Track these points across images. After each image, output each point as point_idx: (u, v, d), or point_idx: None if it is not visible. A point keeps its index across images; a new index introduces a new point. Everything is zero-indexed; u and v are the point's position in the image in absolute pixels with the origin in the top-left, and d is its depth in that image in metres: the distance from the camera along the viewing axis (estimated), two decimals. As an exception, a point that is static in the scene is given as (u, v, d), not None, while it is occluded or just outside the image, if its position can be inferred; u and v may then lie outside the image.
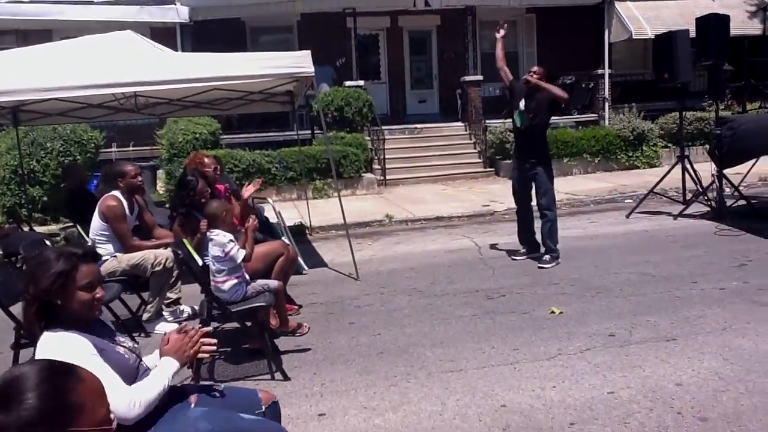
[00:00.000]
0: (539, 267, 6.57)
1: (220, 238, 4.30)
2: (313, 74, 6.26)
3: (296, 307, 5.64)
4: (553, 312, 5.20)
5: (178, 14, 13.85)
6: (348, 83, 14.39)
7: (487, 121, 14.69)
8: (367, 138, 13.96)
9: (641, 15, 15.26)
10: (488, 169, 14.37)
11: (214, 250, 4.32)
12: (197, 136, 12.56)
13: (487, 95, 15.55)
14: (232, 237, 4.33)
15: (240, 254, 4.31)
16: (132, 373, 2.44)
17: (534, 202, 6.95)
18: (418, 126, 15.36)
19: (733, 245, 6.99)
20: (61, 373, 1.45)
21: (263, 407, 2.69)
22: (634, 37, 15.03)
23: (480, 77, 15.17)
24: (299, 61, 6.21)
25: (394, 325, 5.15)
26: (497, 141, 14.09)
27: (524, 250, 7.09)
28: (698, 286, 5.65)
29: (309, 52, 6.25)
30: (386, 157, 13.79)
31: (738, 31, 12.56)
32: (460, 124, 15.63)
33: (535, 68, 6.78)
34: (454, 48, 16.41)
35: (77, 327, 2.35)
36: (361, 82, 14.64)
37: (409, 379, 4.12)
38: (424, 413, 3.65)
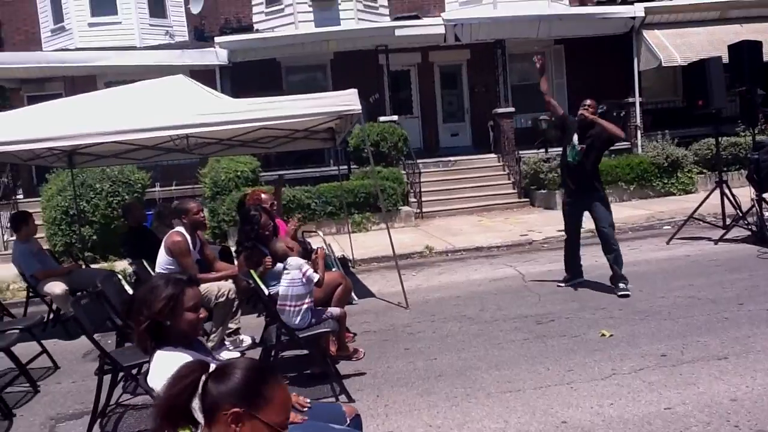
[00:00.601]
0: (620, 295, 6.40)
1: (296, 261, 4.59)
2: (361, 111, 6.57)
3: (351, 334, 5.86)
4: (603, 335, 5.34)
5: (217, 57, 14.42)
6: (382, 118, 14.75)
7: (520, 152, 14.90)
8: (403, 172, 14.26)
9: (669, 43, 15.45)
10: (523, 200, 14.54)
11: (292, 274, 4.58)
12: (239, 173, 12.97)
13: (519, 126, 15.82)
14: (306, 262, 4.61)
15: (315, 276, 4.58)
16: None
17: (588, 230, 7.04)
18: (452, 159, 15.63)
19: (777, 267, 7.07)
20: (266, 371, 1.75)
21: (347, 419, 2.91)
22: (663, 64, 15.19)
23: (512, 109, 15.44)
24: (347, 100, 6.55)
25: (448, 350, 5.33)
26: (531, 171, 14.28)
27: (568, 277, 7.13)
28: (745, 307, 5.75)
29: (356, 90, 6.57)
30: (422, 190, 14.06)
31: (769, 56, 12.69)
32: (493, 155, 15.87)
33: (589, 101, 6.62)
34: (484, 81, 16.75)
35: (184, 345, 2.61)
36: (395, 117, 15.01)
37: (470, 400, 4.29)
38: (488, 430, 3.82)
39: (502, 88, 15.51)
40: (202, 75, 13.75)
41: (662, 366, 4.56)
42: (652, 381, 4.31)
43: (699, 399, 3.98)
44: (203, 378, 1.72)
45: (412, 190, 14.28)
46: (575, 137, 6.62)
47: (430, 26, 15.18)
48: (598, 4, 16.75)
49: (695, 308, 5.85)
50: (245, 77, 14.73)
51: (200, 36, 16.34)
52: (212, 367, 2.76)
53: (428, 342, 5.61)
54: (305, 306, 4.63)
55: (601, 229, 6.67)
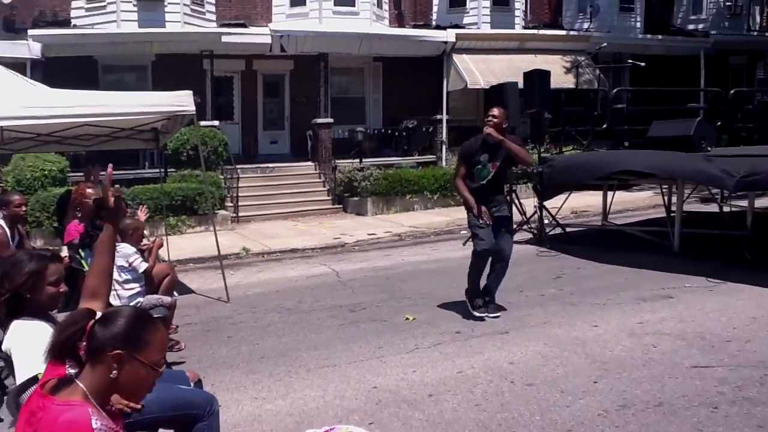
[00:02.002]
0: (476, 317, 5.89)
1: (125, 250, 4.75)
2: (194, 113, 6.78)
3: (174, 326, 6.04)
4: (407, 318, 6.04)
5: (29, 50, 13.63)
6: (203, 123, 14.74)
7: (337, 161, 15.60)
8: (221, 176, 14.36)
9: (475, 67, 17.01)
10: (337, 206, 15.22)
11: (119, 261, 4.73)
12: (45, 173, 12.36)
13: (336, 137, 16.51)
14: (136, 250, 4.78)
15: (142, 266, 4.77)
16: None
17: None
18: (270, 165, 15.95)
19: (551, 263, 8.29)
20: (145, 317, 2.03)
21: (191, 384, 3.25)
22: (469, 86, 16.71)
23: (330, 120, 16.11)
24: (181, 100, 6.71)
25: (270, 336, 5.74)
26: (346, 179, 15.00)
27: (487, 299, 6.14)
28: (524, 294, 6.77)
29: (191, 92, 6.77)
30: (239, 194, 14.26)
31: (556, 84, 14.43)
32: (310, 163, 16.41)
33: (495, 111, 6.07)
34: (305, 92, 17.27)
35: (41, 317, 2.80)
36: (216, 122, 15.07)
37: (291, 375, 4.74)
38: (309, 398, 4.30)
39: (323, 100, 16.13)
40: (12, 68, 12.91)
41: (456, 341, 5.33)
42: (447, 352, 5.04)
43: (485, 364, 4.76)
44: (90, 323, 2.00)
45: (229, 195, 14.42)
46: (484, 156, 5.96)
47: (257, 35, 15.43)
48: (415, 26, 17.96)
49: (485, 295, 6.77)
50: (59, 73, 13.95)
51: (11, 27, 15.27)
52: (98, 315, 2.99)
53: (250, 330, 5.98)
54: (134, 291, 4.81)
55: (503, 246, 5.98)
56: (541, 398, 4.16)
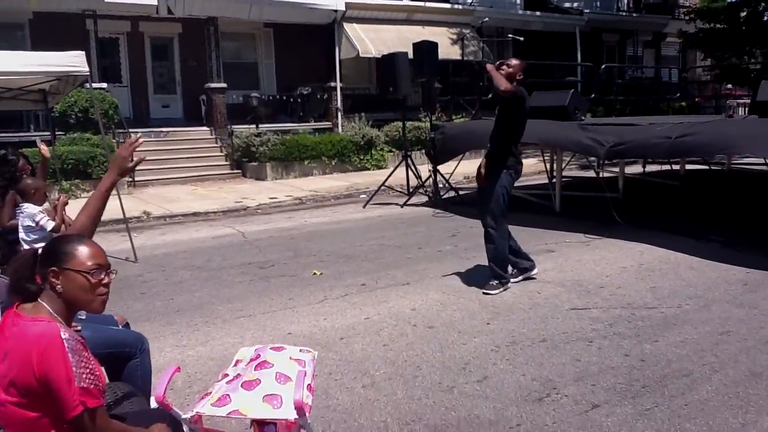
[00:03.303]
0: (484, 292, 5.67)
1: (30, 210, 4.78)
2: (88, 73, 6.73)
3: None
4: (315, 273, 6.40)
5: None
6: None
7: (233, 126, 15.55)
8: (114, 140, 13.99)
9: (366, 36, 17.33)
10: (235, 171, 15.23)
11: (25, 221, 4.76)
12: None
13: (230, 102, 16.41)
14: (42, 209, 4.82)
15: (50, 224, 4.82)
16: None
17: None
18: (164, 129, 15.69)
19: (446, 223, 8.86)
20: (66, 237, 2.29)
21: (120, 326, 3.46)
22: (361, 55, 17.03)
23: (224, 85, 15.99)
24: (75, 61, 6.64)
25: (183, 292, 5.93)
26: (243, 145, 15.01)
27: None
28: (422, 250, 7.28)
29: (83, 52, 6.70)
30: (133, 159, 13.96)
31: (444, 55, 15.01)
32: (205, 128, 16.26)
33: (512, 60, 5.62)
34: (196, 56, 16.99)
35: None
36: (104, 85, 14.60)
37: (209, 325, 4.99)
38: (228, 344, 4.58)
39: (215, 64, 15.95)
40: None
41: (362, 292, 5.74)
42: (355, 302, 5.45)
43: (389, 311, 5.20)
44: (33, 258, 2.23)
45: (123, 159, 14.09)
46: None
47: (143, -4, 15.02)
48: (306, -7, 18.01)
49: (385, 252, 7.24)
50: None
51: None
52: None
53: (162, 287, 6.13)
54: (46, 249, 4.87)
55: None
56: (441, 338, 4.65)
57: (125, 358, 3.23)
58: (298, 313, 5.21)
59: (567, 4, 23.23)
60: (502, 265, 5.75)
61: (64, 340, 1.98)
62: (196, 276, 6.48)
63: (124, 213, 7.74)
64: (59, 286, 2.12)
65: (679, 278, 5.98)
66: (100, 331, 3.17)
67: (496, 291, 5.61)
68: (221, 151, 15.68)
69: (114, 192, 7.99)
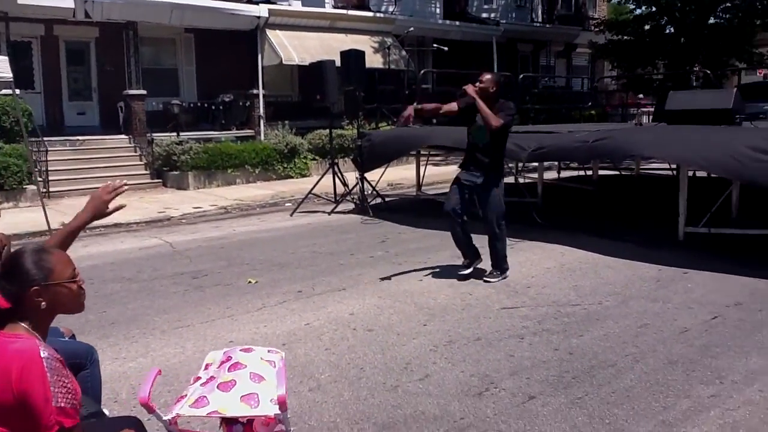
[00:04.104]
0: (485, 280, 6.26)
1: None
2: (12, 79, 6.53)
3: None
4: (250, 282, 6.42)
5: None
6: (2, 91, 13.68)
7: (153, 134, 15.23)
8: (28, 149, 13.46)
9: (289, 43, 17.35)
10: (156, 180, 14.90)
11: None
12: None
13: (150, 109, 16.08)
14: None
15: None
16: None
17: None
18: (80, 138, 15.20)
19: (375, 230, 9.03)
20: (37, 251, 2.20)
21: (66, 337, 3.44)
22: (284, 62, 17.03)
23: (143, 91, 15.65)
24: (-2, 67, 6.45)
25: (115, 304, 5.84)
26: (164, 153, 14.72)
27: (467, 261, 6.50)
28: (354, 257, 7.42)
29: (7, 57, 6.52)
30: (49, 168, 13.49)
31: (368, 63, 15.25)
32: (123, 136, 15.86)
33: (485, 75, 6.04)
34: (113, 61, 16.55)
35: None
36: (18, 91, 14.00)
37: (147, 337, 4.96)
38: (170, 354, 4.58)
39: (134, 70, 15.60)
40: None
41: (300, 299, 5.82)
42: (293, 308, 5.53)
43: (328, 316, 5.31)
44: None
45: (36, 169, 13.57)
46: (479, 117, 6.01)
47: (60, -1, 14.55)
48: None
49: (318, 259, 7.33)
50: None
51: None
52: None
53: (93, 300, 5.97)
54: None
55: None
56: (381, 340, 4.79)
57: (76, 370, 3.21)
58: (237, 321, 5.24)
59: (484, 15, 24.01)
60: (505, 259, 6.41)
61: (44, 359, 1.99)
62: (127, 288, 6.38)
63: (48, 224, 7.51)
64: (43, 303, 2.12)
65: (598, 277, 6.36)
66: (50, 344, 3.14)
67: (496, 280, 6.25)
68: (141, 160, 15.32)
69: (42, 202, 7.78)
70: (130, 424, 2.31)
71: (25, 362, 1.96)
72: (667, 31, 22.71)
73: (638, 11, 24.03)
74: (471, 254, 6.47)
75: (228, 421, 2.23)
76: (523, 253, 7.37)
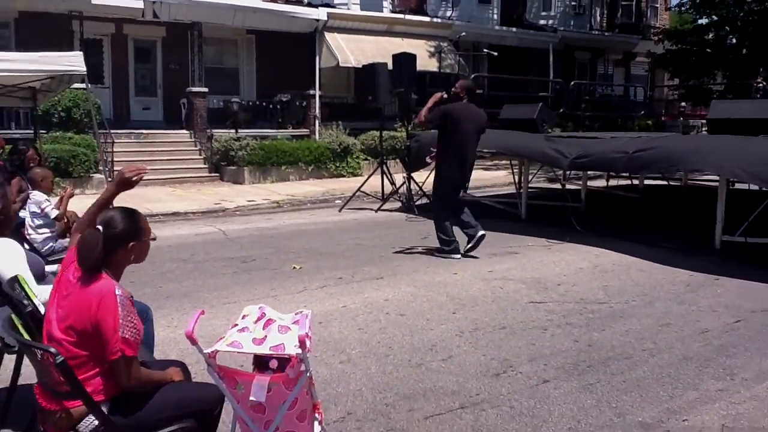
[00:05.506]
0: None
1: (37, 197, 5.18)
2: (85, 72, 7.11)
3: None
4: (295, 268, 6.84)
5: None
6: (75, 85, 14.52)
7: (213, 130, 15.91)
8: (95, 140, 14.28)
9: (346, 46, 17.84)
10: (213, 174, 15.58)
11: (31, 207, 5.15)
12: None
13: (211, 106, 16.77)
14: (48, 197, 5.22)
15: (53, 212, 5.21)
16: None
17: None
18: (144, 131, 16.00)
19: (418, 227, 9.35)
20: (132, 212, 2.66)
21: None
22: (340, 64, 17.52)
23: (205, 89, 16.35)
24: (74, 61, 7.04)
25: (170, 281, 6.32)
26: (222, 149, 15.38)
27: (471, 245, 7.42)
28: (395, 250, 7.75)
29: (81, 53, 7.09)
30: (114, 159, 14.27)
31: (421, 67, 15.54)
32: (185, 131, 16.59)
33: (458, 82, 7.79)
34: (178, 60, 17.33)
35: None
36: (88, 85, 14.86)
37: (197, 310, 5.38)
38: (217, 325, 4.99)
39: (197, 68, 16.32)
40: None
41: (339, 284, 6.20)
42: (332, 293, 5.91)
43: (364, 300, 5.67)
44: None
45: (103, 159, 14.38)
46: None
47: (130, -1, 15.38)
48: (288, 2, 18.44)
49: (361, 250, 7.71)
50: None
51: None
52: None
53: (150, 277, 6.50)
54: (46, 236, 5.26)
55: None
56: (410, 324, 5.12)
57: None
58: (279, 300, 5.64)
59: (542, 22, 24.05)
60: (447, 242, 7.41)
61: (117, 296, 2.43)
62: (182, 267, 6.88)
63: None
64: (133, 255, 2.60)
65: (629, 278, 6.54)
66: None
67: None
68: (200, 154, 16.02)
69: (96, 191, 8.49)
70: (177, 364, 2.70)
71: (103, 297, 2.41)
72: (728, 41, 22.35)
73: (700, 21, 23.69)
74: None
75: (261, 367, 2.60)
76: (558, 254, 7.58)
